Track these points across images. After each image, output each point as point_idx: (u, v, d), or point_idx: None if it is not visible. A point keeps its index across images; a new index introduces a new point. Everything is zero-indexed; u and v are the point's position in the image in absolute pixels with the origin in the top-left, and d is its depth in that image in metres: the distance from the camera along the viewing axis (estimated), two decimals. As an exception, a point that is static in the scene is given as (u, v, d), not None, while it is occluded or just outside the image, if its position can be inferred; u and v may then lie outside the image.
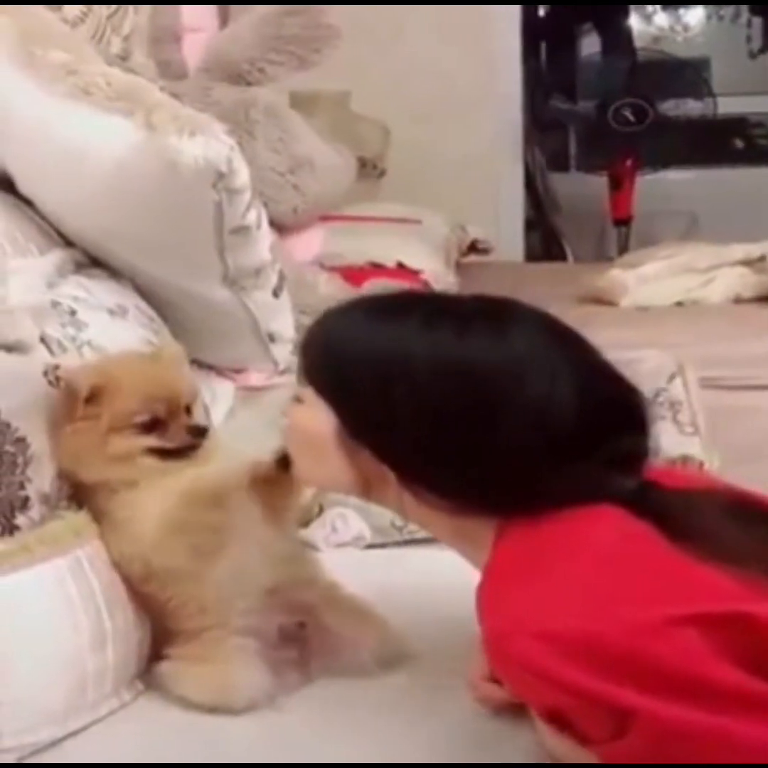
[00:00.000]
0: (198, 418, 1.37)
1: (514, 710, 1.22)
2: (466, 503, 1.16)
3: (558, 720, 1.06)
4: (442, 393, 1.13)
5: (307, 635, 1.35)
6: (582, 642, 1.02)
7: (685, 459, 1.77)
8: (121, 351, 1.44)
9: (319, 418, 1.20)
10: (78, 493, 1.35)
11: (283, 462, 1.27)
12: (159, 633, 1.36)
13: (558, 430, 1.12)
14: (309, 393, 1.21)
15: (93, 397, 1.30)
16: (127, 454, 1.32)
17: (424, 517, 1.21)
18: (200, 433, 1.35)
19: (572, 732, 1.06)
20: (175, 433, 1.34)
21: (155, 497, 1.31)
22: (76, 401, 1.30)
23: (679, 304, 3.12)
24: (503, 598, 1.09)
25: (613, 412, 1.16)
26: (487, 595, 1.11)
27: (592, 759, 1.07)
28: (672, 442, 1.76)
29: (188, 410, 1.37)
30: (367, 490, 1.22)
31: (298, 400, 1.24)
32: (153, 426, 1.33)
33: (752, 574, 1.05)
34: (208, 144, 1.45)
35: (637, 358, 1.96)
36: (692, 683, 1.00)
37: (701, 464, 1.81)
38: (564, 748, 1.11)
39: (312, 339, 1.24)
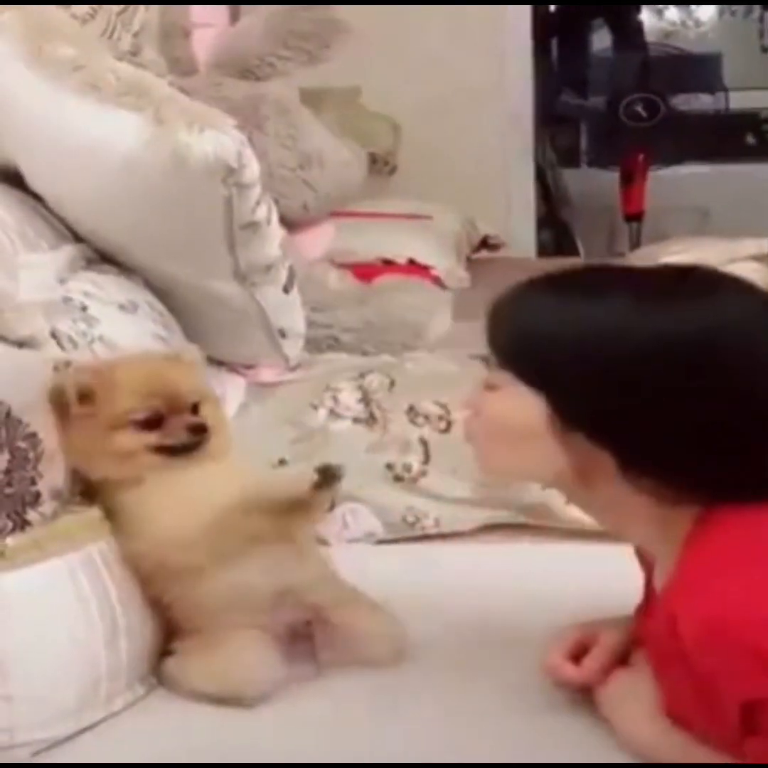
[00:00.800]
0: (208, 417, 1.36)
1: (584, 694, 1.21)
2: (690, 487, 1.09)
3: (749, 719, 1.01)
4: (674, 369, 1.06)
5: (314, 633, 1.35)
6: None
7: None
8: (135, 351, 1.43)
9: (524, 405, 1.12)
10: (89, 489, 1.36)
11: (323, 481, 1.26)
12: (167, 628, 1.36)
13: None
14: (506, 379, 1.14)
15: (85, 396, 1.30)
16: (128, 452, 1.31)
17: (626, 508, 1.13)
18: (200, 430, 1.34)
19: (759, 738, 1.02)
20: (175, 430, 1.33)
21: (170, 494, 1.31)
22: (64, 401, 1.30)
23: (691, 299, 3.10)
24: (720, 583, 1.03)
25: None
26: (694, 580, 1.05)
27: (678, 753, 1.06)
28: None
29: (195, 409, 1.36)
30: (574, 478, 1.14)
31: (489, 387, 1.17)
32: (153, 423, 1.32)
33: None
34: (217, 139, 1.45)
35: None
36: None
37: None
38: (651, 739, 1.10)
39: (507, 321, 1.16)
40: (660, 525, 1.12)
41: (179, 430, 1.33)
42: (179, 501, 1.31)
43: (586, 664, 1.22)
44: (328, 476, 1.26)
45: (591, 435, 1.10)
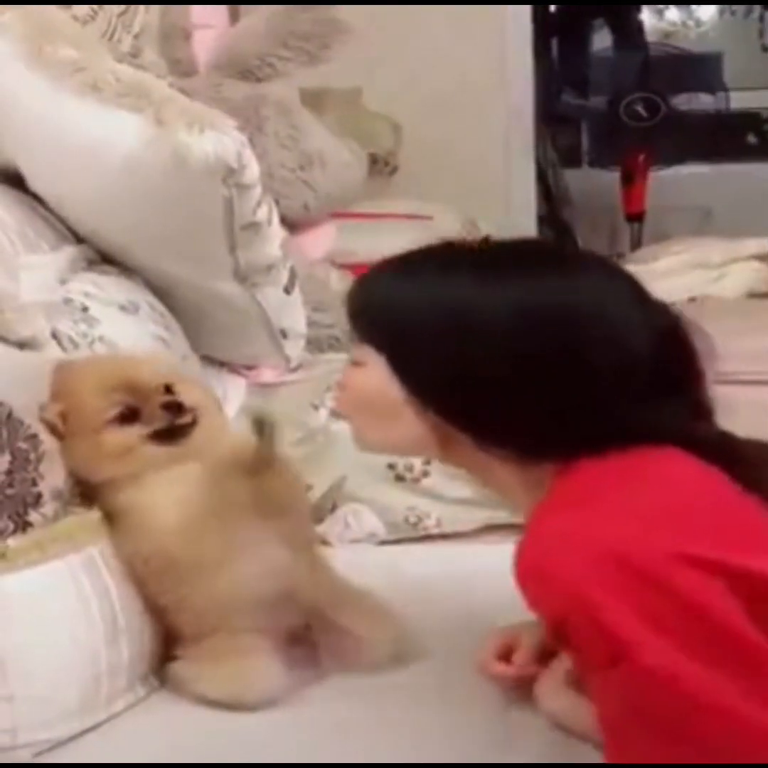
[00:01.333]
0: (187, 398, 1.34)
1: (524, 691, 1.23)
2: (544, 451, 1.13)
3: (562, 638, 1.05)
4: (520, 342, 1.09)
5: (315, 637, 1.35)
6: (609, 557, 1.00)
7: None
8: (72, 361, 1.40)
9: (381, 379, 1.16)
10: (89, 491, 1.35)
11: (260, 432, 1.24)
12: (170, 633, 1.36)
13: (639, 369, 1.10)
14: (368, 354, 1.17)
15: (65, 417, 1.31)
16: (122, 448, 1.31)
17: (489, 470, 1.18)
18: (176, 407, 1.32)
19: (573, 652, 1.05)
20: (151, 414, 1.31)
21: (167, 489, 1.30)
22: (59, 431, 1.31)
23: (692, 299, 3.11)
24: (551, 520, 1.06)
25: (683, 355, 1.14)
26: (534, 521, 1.09)
27: (587, 719, 1.06)
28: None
29: (169, 390, 1.33)
30: (433, 447, 1.18)
31: (355, 363, 1.20)
32: (129, 416, 1.31)
33: None
34: (218, 139, 1.45)
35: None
36: (705, 629, 0.98)
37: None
38: (563, 711, 1.14)
39: (366, 296, 1.19)
40: (526, 484, 1.16)
41: (156, 412, 1.31)
42: (177, 494, 1.30)
43: (513, 660, 1.26)
44: (262, 428, 1.25)
45: (444, 411, 1.14)
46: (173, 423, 1.32)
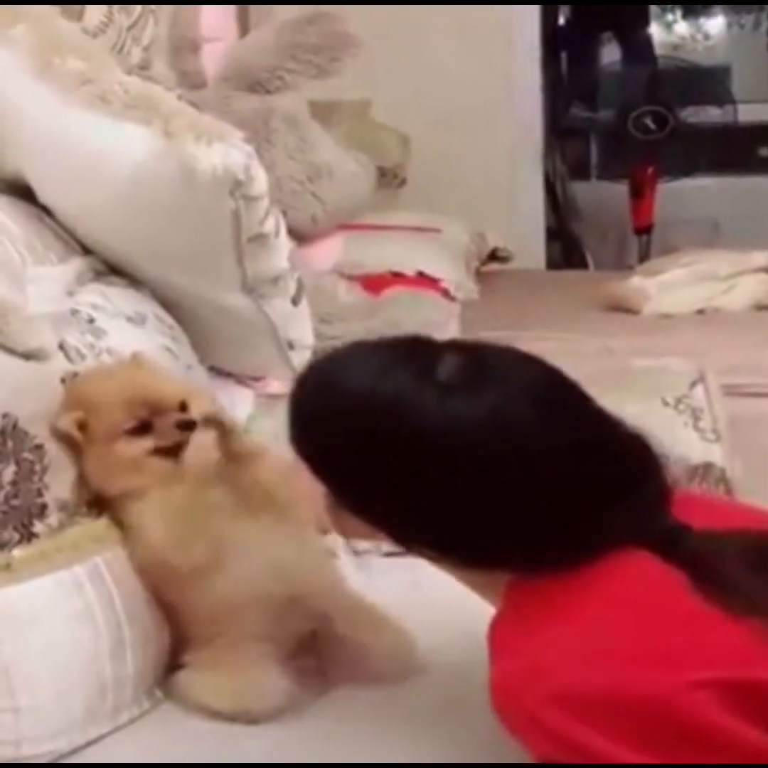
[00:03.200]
0: (199, 411, 1.35)
1: None
2: (472, 564, 1.13)
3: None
4: (431, 463, 1.08)
5: (322, 644, 1.35)
6: (596, 700, 1.00)
7: (707, 466, 1.76)
8: (87, 368, 1.42)
9: (311, 482, 1.17)
10: (101, 503, 1.36)
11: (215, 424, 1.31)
12: (177, 641, 1.36)
13: (553, 488, 1.08)
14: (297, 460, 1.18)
15: (82, 426, 1.31)
16: (133, 460, 1.32)
17: (444, 569, 1.19)
18: (190, 426, 1.34)
19: None
20: (165, 430, 1.33)
21: (161, 500, 1.32)
22: (74, 441, 1.32)
23: (701, 311, 3.11)
24: (517, 643, 1.06)
25: (625, 462, 1.12)
26: (499, 637, 1.10)
27: None
28: (694, 449, 1.75)
29: (184, 406, 1.35)
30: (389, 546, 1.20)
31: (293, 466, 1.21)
32: (143, 429, 1.33)
33: None
34: (225, 152, 1.45)
35: (660, 365, 1.96)
36: (710, 745, 0.98)
37: (723, 471, 1.80)
38: None
39: (292, 402, 1.18)
40: (477, 584, 1.17)
41: (169, 429, 1.33)
42: (169, 504, 1.31)
43: None
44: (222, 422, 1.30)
45: (365, 520, 1.14)
46: (183, 440, 1.33)
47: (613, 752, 0.99)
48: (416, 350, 1.14)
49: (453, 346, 1.16)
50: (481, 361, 1.12)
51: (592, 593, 1.06)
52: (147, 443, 1.33)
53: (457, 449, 1.07)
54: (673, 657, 1.01)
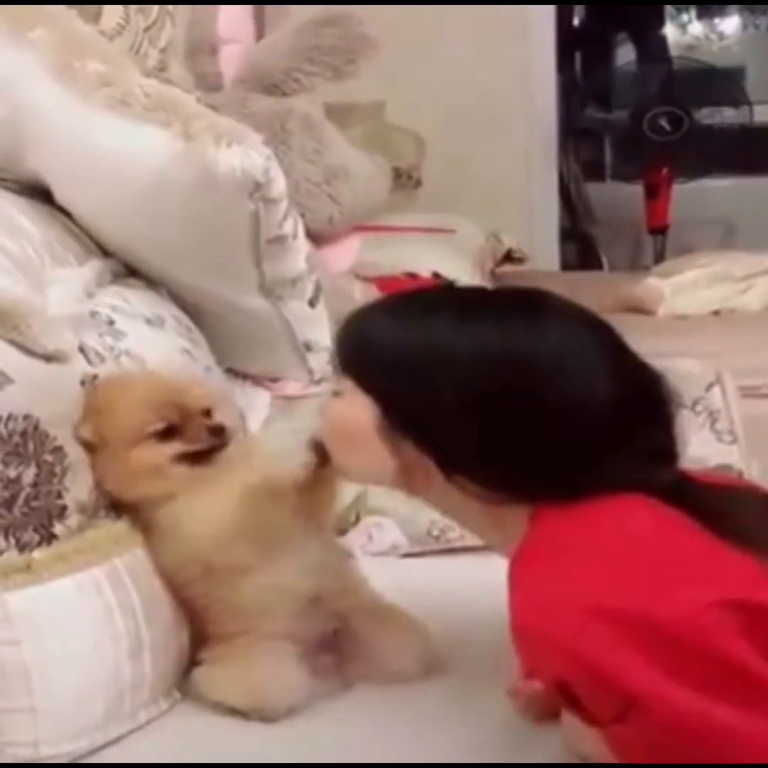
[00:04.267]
0: (222, 419, 1.36)
1: (553, 717, 1.21)
2: (507, 492, 1.16)
3: (566, 697, 1.07)
4: (483, 384, 1.14)
5: (342, 642, 1.35)
6: (633, 617, 1.02)
7: (724, 468, 1.76)
8: (116, 376, 1.41)
9: (359, 410, 1.20)
10: (120, 505, 1.36)
11: (321, 452, 1.27)
12: (195, 638, 1.37)
13: (598, 418, 1.13)
14: (349, 386, 1.21)
15: (99, 435, 1.32)
16: (155, 466, 1.31)
17: (460, 507, 1.21)
18: (221, 432, 1.34)
19: (580, 710, 1.07)
20: (195, 434, 1.33)
21: (205, 499, 1.31)
22: (90, 445, 1.32)
23: (716, 312, 3.10)
24: (537, 576, 1.09)
25: (648, 405, 1.17)
26: (519, 574, 1.12)
27: (612, 757, 1.07)
28: (710, 451, 1.75)
29: (209, 413, 1.35)
30: (407, 480, 1.22)
31: (336, 394, 1.24)
32: (171, 432, 1.32)
33: None
34: (245, 154, 1.45)
35: (675, 366, 1.95)
36: (724, 670, 1.00)
37: (740, 473, 1.80)
38: (588, 747, 1.12)
39: (350, 332, 1.25)
40: (495, 524, 1.20)
41: (200, 433, 1.33)
42: (213, 503, 1.31)
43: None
44: (318, 448, 1.28)
45: (416, 442, 1.18)
46: (213, 446, 1.33)
47: (640, 674, 1.00)
48: (463, 289, 1.26)
49: (503, 288, 1.27)
50: (532, 296, 1.21)
51: (606, 529, 1.11)
52: (173, 448, 1.32)
53: (508, 370, 1.13)
54: (694, 578, 1.05)
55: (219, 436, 1.34)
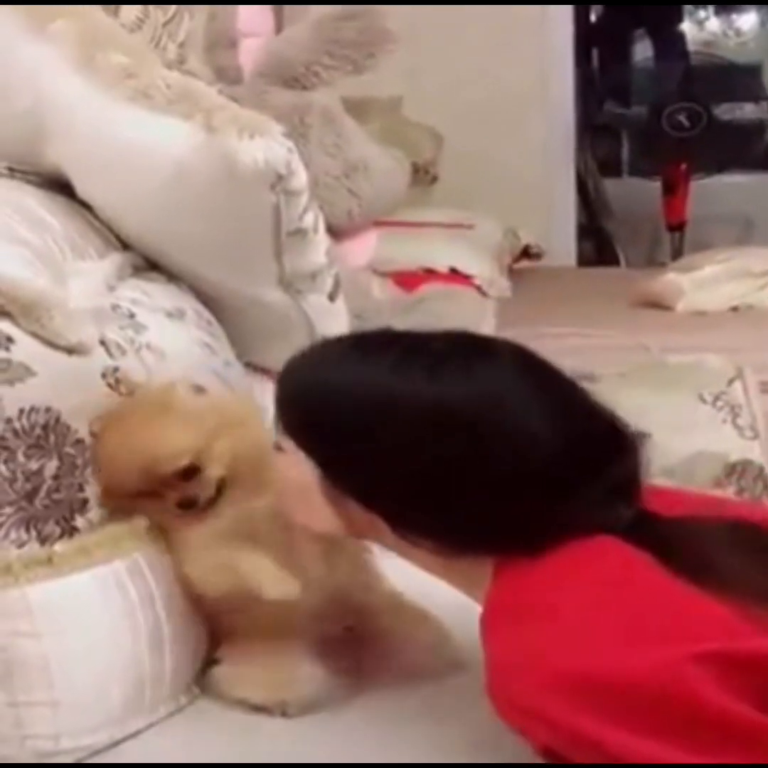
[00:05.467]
0: (213, 474, 1.30)
1: None
2: (460, 547, 1.15)
3: (553, 756, 1.05)
4: (421, 436, 1.11)
5: (359, 638, 1.35)
6: (595, 683, 1.00)
7: (745, 463, 1.75)
8: (114, 411, 1.33)
9: (301, 469, 1.18)
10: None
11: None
12: (213, 636, 1.36)
13: (543, 468, 1.10)
14: (288, 442, 1.20)
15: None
16: (152, 512, 1.31)
17: (420, 560, 1.20)
18: (191, 504, 1.29)
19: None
20: (167, 503, 1.30)
21: (193, 536, 1.31)
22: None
23: (735, 308, 3.09)
24: (506, 637, 1.08)
25: (599, 443, 1.14)
26: (489, 632, 1.10)
27: None
28: (732, 446, 1.74)
29: (193, 470, 1.29)
30: (361, 534, 1.22)
31: (278, 447, 1.22)
32: (150, 494, 1.30)
33: (753, 607, 1.02)
34: (267, 146, 1.45)
35: (697, 361, 1.94)
36: (705, 721, 0.98)
37: (761, 469, 1.79)
38: None
39: (283, 388, 1.22)
40: (459, 575, 1.19)
41: (170, 504, 1.30)
42: (197, 541, 1.31)
43: None
44: None
45: (357, 500, 1.16)
46: (188, 511, 1.30)
47: (615, 737, 0.99)
48: (400, 336, 1.20)
49: (439, 333, 1.20)
50: (469, 343, 1.17)
51: (571, 583, 1.08)
52: (159, 504, 1.30)
53: (446, 424, 1.10)
54: (664, 633, 1.02)
55: (188, 507, 1.30)
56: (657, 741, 0.98)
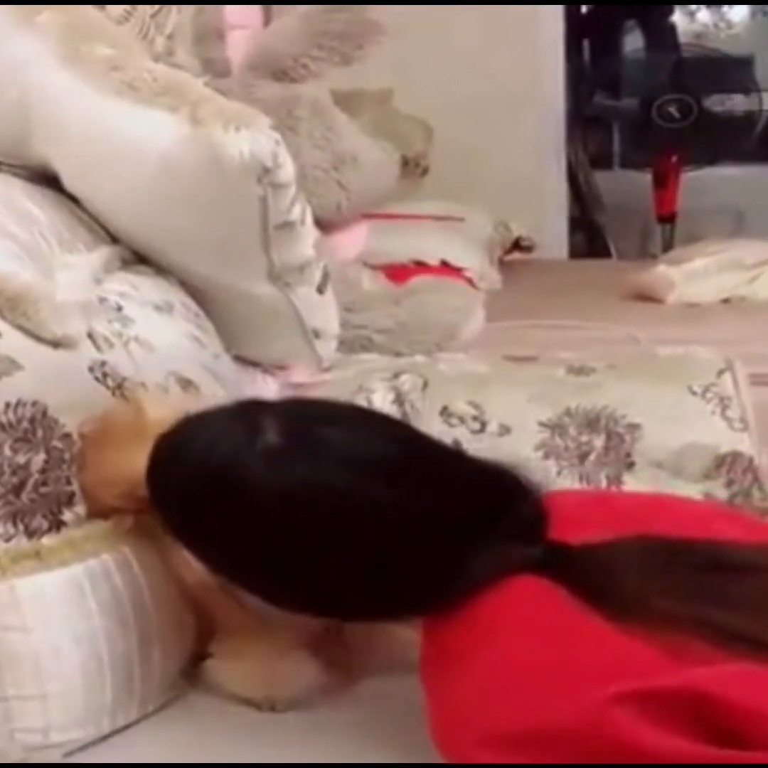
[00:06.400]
0: None
1: None
2: (370, 618, 1.17)
3: None
4: (293, 524, 1.10)
5: (349, 634, 1.35)
6: (521, 736, 1.00)
7: (735, 455, 1.75)
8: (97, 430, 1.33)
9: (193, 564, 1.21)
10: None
11: None
12: (203, 630, 1.36)
13: (426, 527, 1.10)
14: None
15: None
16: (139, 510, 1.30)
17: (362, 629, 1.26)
18: None
19: None
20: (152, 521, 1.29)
21: None
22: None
23: (726, 301, 3.09)
24: (436, 692, 1.09)
25: (485, 495, 1.15)
26: (423, 686, 1.11)
27: None
28: (721, 438, 1.74)
29: None
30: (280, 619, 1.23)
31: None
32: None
33: (673, 636, 1.02)
34: (253, 138, 1.45)
35: (687, 353, 1.94)
36: (640, 757, 0.97)
37: (751, 460, 1.79)
38: None
39: (150, 484, 1.20)
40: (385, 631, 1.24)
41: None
42: None
43: None
44: None
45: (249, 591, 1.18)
46: None
47: None
48: (243, 417, 1.16)
49: (281, 409, 1.18)
50: (303, 426, 1.14)
51: (493, 627, 1.08)
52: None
53: (289, 515, 1.09)
54: (584, 676, 1.01)
55: None
56: None
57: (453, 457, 1.21)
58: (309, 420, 1.16)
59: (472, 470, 1.18)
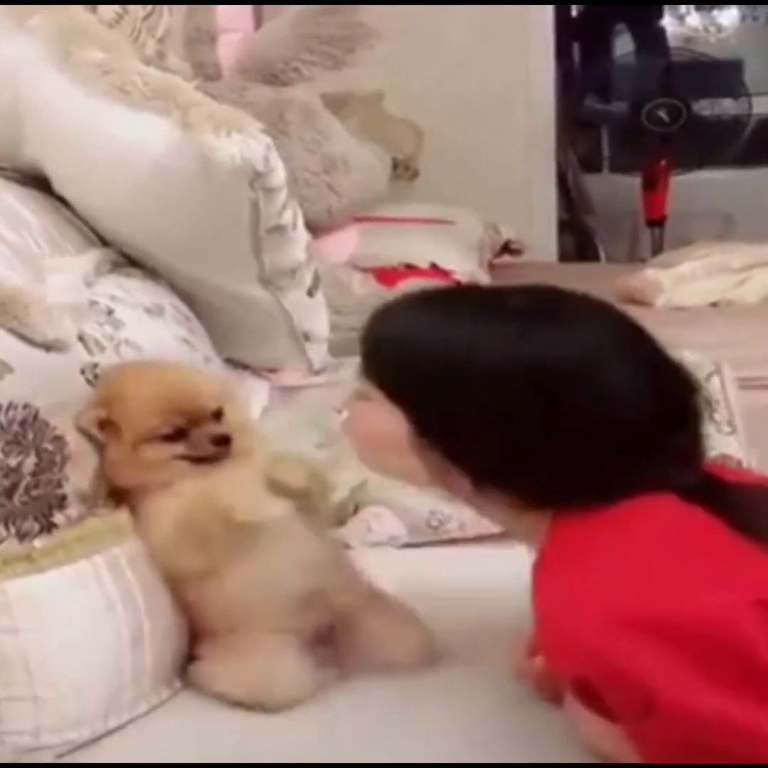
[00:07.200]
0: (232, 421, 1.36)
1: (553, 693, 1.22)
2: (535, 500, 1.15)
3: (589, 697, 1.07)
4: (507, 394, 1.12)
5: (339, 634, 1.35)
6: (659, 624, 1.02)
7: (724, 458, 1.76)
8: (131, 366, 1.41)
9: (386, 418, 1.19)
10: (118, 495, 1.36)
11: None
12: (194, 632, 1.36)
13: (626, 426, 1.12)
14: (374, 390, 1.20)
15: (104, 424, 1.31)
16: (158, 461, 1.32)
17: (489, 512, 1.22)
18: (225, 441, 1.33)
19: (602, 707, 1.07)
20: (199, 442, 1.32)
21: (174, 499, 1.31)
22: (96, 439, 1.32)
23: (714, 304, 3.10)
24: (562, 578, 1.09)
25: (677, 407, 1.16)
26: (543, 576, 1.11)
27: (630, 752, 1.07)
28: (710, 441, 1.75)
29: (219, 414, 1.35)
30: (439, 484, 1.21)
31: (359, 394, 1.23)
32: (178, 435, 1.32)
33: None
34: (244, 142, 1.45)
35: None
36: (752, 669, 0.99)
37: (739, 464, 1.80)
38: (609, 746, 1.12)
39: (376, 339, 1.22)
40: (522, 525, 1.19)
41: (204, 442, 1.33)
42: (171, 505, 1.31)
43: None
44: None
45: (442, 453, 1.16)
46: (214, 454, 1.33)
47: (669, 680, 1.00)
48: (484, 291, 1.22)
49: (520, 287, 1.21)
50: (554, 297, 1.18)
51: (630, 530, 1.09)
52: (177, 449, 1.32)
53: (540, 383, 1.11)
54: (724, 580, 1.04)
55: (222, 444, 1.33)
56: (701, 684, 0.99)
57: (664, 355, 1.19)
58: (554, 294, 1.19)
59: (678, 372, 1.18)
